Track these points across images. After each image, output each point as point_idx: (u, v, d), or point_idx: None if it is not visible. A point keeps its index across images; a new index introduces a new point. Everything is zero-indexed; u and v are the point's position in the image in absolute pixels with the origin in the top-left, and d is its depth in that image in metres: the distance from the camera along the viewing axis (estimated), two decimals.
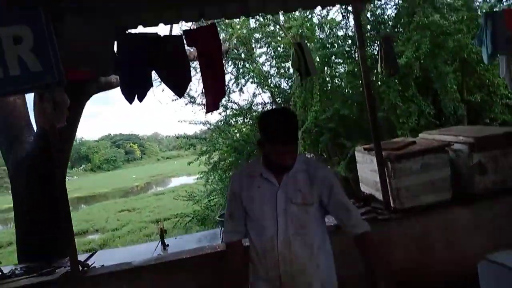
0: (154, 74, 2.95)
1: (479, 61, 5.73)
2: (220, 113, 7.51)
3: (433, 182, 3.13)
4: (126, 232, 11.61)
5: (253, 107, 7.47)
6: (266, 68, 7.55)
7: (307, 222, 1.81)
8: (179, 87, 2.82)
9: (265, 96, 7.56)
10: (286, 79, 7.51)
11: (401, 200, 3.12)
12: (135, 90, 2.80)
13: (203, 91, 3.01)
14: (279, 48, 6.95)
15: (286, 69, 7.35)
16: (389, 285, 1.72)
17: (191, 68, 2.88)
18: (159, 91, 4.47)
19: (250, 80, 7.23)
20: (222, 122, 7.58)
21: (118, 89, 2.91)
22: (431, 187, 3.14)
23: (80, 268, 2.95)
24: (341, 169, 5.61)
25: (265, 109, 7.69)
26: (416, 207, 3.13)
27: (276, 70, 7.48)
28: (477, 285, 1.77)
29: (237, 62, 7.53)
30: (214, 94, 2.97)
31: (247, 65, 7.28)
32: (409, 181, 3.12)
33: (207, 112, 3.06)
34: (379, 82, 5.79)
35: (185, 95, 7.21)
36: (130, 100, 2.78)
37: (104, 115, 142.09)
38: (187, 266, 3.00)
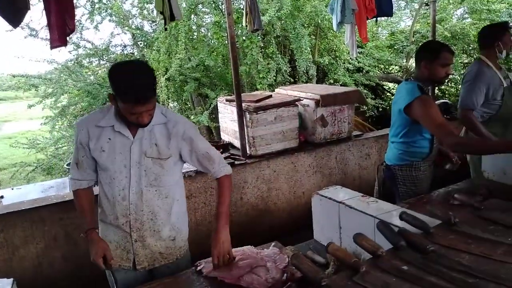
0: None
1: (330, 28, 6.41)
2: (70, 52, 6.63)
3: (284, 132, 3.48)
4: None
5: (110, 48, 6.81)
6: (127, 7, 6.89)
7: (161, 175, 1.79)
8: (12, 14, 2.30)
9: (126, 38, 6.96)
10: (150, 21, 7.03)
11: (256, 147, 3.39)
12: None
13: (47, 23, 2.54)
14: None
15: (150, 11, 6.85)
16: (222, 230, 1.82)
17: None
18: None
19: (108, 18, 6.51)
20: (72, 62, 6.71)
21: None
22: (282, 136, 3.48)
23: None
24: (204, 119, 5.70)
25: (125, 52, 7.12)
26: (268, 153, 3.45)
27: (139, 10, 6.91)
28: (311, 214, 2.10)
29: None
30: (60, 28, 2.56)
31: (104, 0, 6.50)
32: (264, 130, 3.39)
33: (51, 48, 2.61)
34: (243, 38, 5.93)
35: (23, 26, 6.08)
36: None
37: None
38: (27, 218, 2.69)
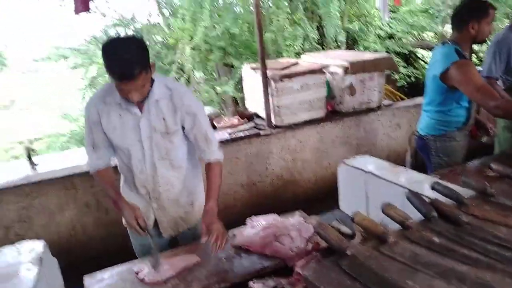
0: None
1: None
2: (97, 22, 6.65)
3: (310, 101, 3.39)
4: None
5: (135, 17, 6.77)
6: None
7: (172, 150, 1.81)
8: None
9: (151, 5, 6.87)
10: None
11: (281, 117, 3.33)
12: None
13: None
14: None
15: None
16: (210, 220, 1.74)
17: None
18: None
19: None
20: (100, 32, 6.74)
21: None
22: (308, 106, 3.39)
23: None
24: (229, 89, 5.65)
25: (149, 21, 7.06)
26: (294, 123, 3.39)
27: None
28: (336, 185, 2.05)
29: None
30: None
31: None
32: (290, 99, 3.31)
33: (76, 13, 2.61)
34: (270, 3, 5.74)
35: None
36: None
37: None
38: (61, 186, 2.79)
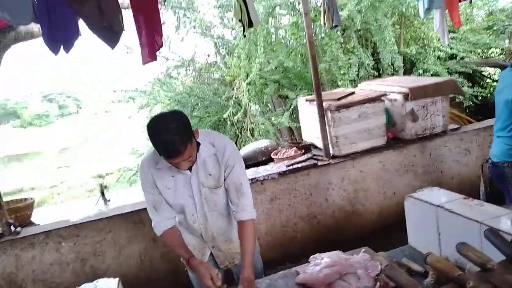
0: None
1: (416, 15, 5.94)
2: (160, 65, 7.17)
3: (369, 130, 3.30)
4: (66, 188, 11.11)
5: (195, 58, 7.19)
6: (208, 17, 7.21)
7: (219, 201, 1.91)
8: (110, 36, 2.56)
9: (209, 47, 7.28)
10: (230, 29, 7.26)
11: (339, 147, 3.28)
12: (60, 39, 2.51)
13: (138, 41, 2.77)
14: None
15: (229, 20, 7.07)
16: (247, 280, 1.73)
17: (124, 16, 2.60)
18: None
19: (192, 30, 6.88)
20: (163, 74, 7.25)
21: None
22: (367, 134, 3.31)
23: (13, 229, 2.80)
24: (285, 120, 5.71)
25: (208, 61, 7.44)
26: (353, 153, 3.31)
27: (220, 20, 7.19)
28: (404, 218, 1.95)
29: (177, 11, 7.08)
30: (150, 45, 2.78)
31: (188, 14, 6.90)
32: (347, 129, 3.26)
33: (143, 64, 2.84)
34: (322, 35, 5.81)
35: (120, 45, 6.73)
36: (55, 50, 2.50)
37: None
38: (130, 220, 2.96)
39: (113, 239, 2.96)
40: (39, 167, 15.97)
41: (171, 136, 1.60)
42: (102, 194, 3.53)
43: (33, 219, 3.36)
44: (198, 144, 1.79)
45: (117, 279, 1.60)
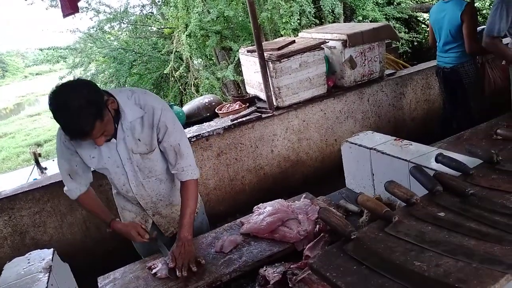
0: None
1: None
2: (91, 19, 6.59)
3: (310, 79, 3.32)
4: (1, 159, 10.37)
5: (129, 10, 6.69)
6: None
7: (154, 167, 1.76)
8: None
9: None
10: None
11: (282, 98, 3.28)
12: None
13: None
14: None
15: None
16: (184, 240, 1.67)
17: None
18: None
19: None
20: (95, 29, 6.69)
21: None
22: (309, 84, 3.33)
23: None
24: (229, 73, 5.59)
25: (144, 12, 6.97)
26: (296, 103, 3.34)
27: None
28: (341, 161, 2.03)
29: None
30: None
31: None
32: (289, 79, 3.25)
33: (64, 17, 2.55)
34: None
35: None
36: None
37: None
38: None
39: (53, 208, 2.81)
40: None
41: (72, 118, 1.39)
42: (37, 162, 3.32)
43: None
44: (118, 112, 1.59)
45: (51, 249, 1.52)
